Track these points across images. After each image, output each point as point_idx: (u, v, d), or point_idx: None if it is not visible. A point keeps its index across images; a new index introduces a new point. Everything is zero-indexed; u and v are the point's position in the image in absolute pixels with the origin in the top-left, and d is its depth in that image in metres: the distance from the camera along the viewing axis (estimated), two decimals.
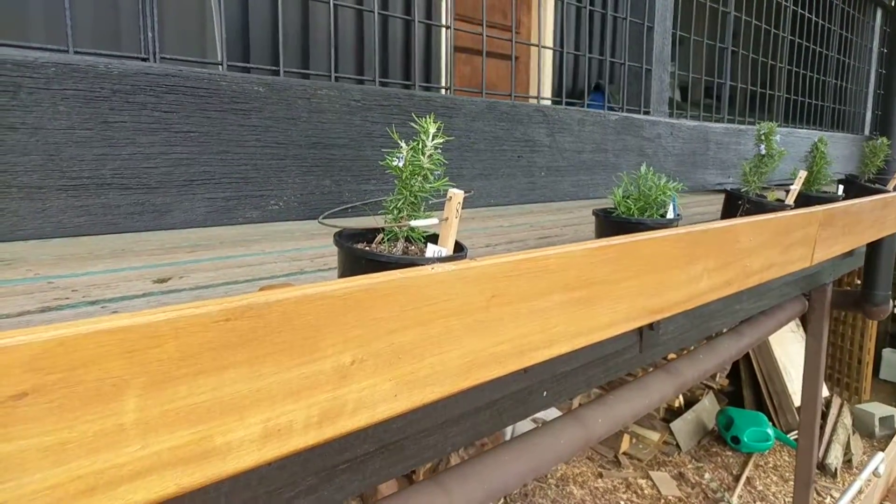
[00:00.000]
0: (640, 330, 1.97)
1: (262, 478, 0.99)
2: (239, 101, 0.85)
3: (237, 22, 2.88)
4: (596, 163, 1.52)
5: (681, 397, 5.58)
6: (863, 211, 2.42)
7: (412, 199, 0.88)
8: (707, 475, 5.00)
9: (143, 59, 0.82)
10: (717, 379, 6.00)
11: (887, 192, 2.82)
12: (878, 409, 6.04)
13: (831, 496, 4.76)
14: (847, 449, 5.45)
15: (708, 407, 5.77)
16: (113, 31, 2.54)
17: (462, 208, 0.93)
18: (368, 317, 0.77)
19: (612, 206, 1.41)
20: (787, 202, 1.91)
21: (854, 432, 5.75)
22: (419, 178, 0.88)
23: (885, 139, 2.98)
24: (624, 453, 5.08)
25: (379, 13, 1.12)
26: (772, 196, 2.00)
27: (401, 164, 0.86)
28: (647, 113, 1.78)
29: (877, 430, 5.88)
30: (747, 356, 5.89)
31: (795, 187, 1.93)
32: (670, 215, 1.36)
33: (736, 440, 5.32)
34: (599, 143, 1.52)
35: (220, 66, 0.88)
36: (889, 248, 3.61)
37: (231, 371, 0.65)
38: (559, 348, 1.11)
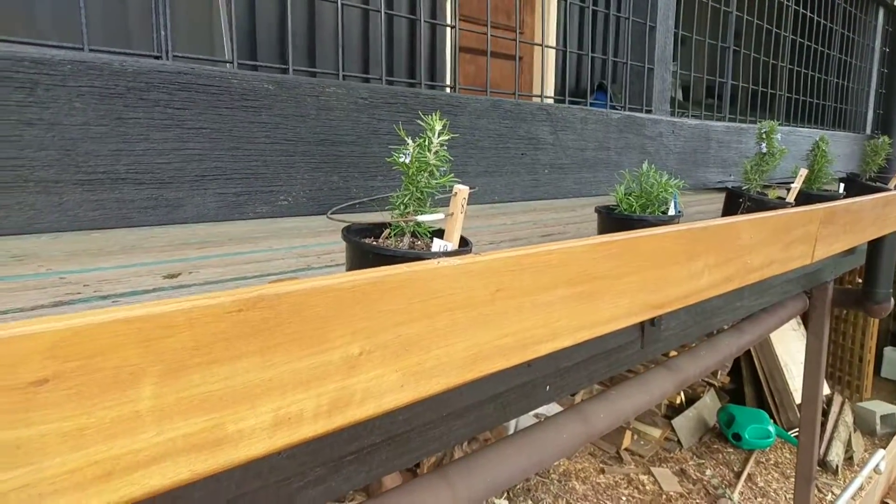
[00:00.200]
0: (641, 326, 1.98)
1: (272, 467, 1.01)
2: (249, 98, 0.87)
3: (246, 21, 2.91)
4: (599, 160, 1.53)
5: (682, 394, 5.60)
6: (864, 209, 2.43)
7: (418, 195, 0.90)
8: (708, 471, 5.02)
9: (156, 57, 0.83)
10: (719, 376, 6.02)
11: (888, 190, 2.84)
12: (880, 408, 6.06)
13: (832, 493, 4.78)
14: (848, 446, 5.46)
15: (709, 404, 5.78)
16: (122, 29, 2.56)
17: (467, 204, 0.95)
18: (376, 309, 0.79)
19: (615, 204, 1.43)
20: (787, 200, 1.92)
21: (855, 430, 5.77)
22: (425, 175, 0.89)
23: (886, 138, 2.99)
24: (626, 449, 5.10)
25: (385, 12, 1.13)
26: (773, 194, 2.01)
27: (407, 161, 0.88)
28: (649, 111, 1.79)
29: (878, 427, 5.90)
30: (749, 354, 5.91)
31: (796, 185, 1.94)
32: (672, 212, 1.38)
33: (737, 437, 5.33)
34: (602, 142, 1.54)
35: (230, 65, 0.90)
36: (890, 246, 3.62)
37: (243, 360, 0.67)
38: (562, 342, 1.13)
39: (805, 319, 6.22)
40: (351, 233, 0.93)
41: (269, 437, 0.71)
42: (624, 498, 4.52)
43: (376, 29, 3.57)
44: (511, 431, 4.35)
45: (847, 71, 3.46)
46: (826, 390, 6.19)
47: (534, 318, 1.03)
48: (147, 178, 0.78)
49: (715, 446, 5.43)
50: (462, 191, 0.88)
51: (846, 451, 5.39)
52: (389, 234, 0.98)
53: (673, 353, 4.24)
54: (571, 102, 1.61)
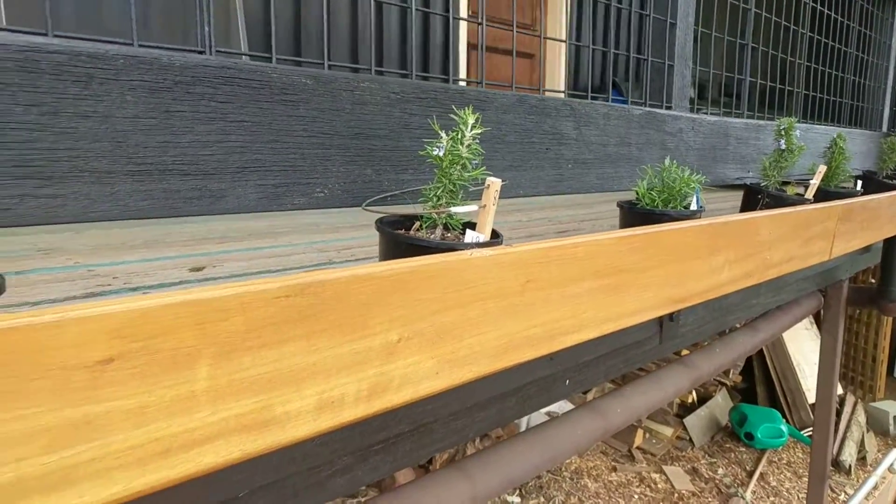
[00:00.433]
0: (660, 321, 1.99)
1: (305, 454, 1.03)
2: (288, 92, 0.89)
3: (290, 16, 2.96)
4: (620, 156, 1.55)
5: (694, 393, 5.60)
6: (881, 206, 2.44)
7: (451, 188, 0.92)
8: (720, 470, 5.01)
9: (200, 52, 0.86)
10: (731, 375, 6.01)
11: None
12: (893, 408, 6.03)
13: (845, 492, 4.77)
14: (861, 446, 5.44)
15: (721, 403, 5.78)
16: (164, 24, 2.60)
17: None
18: (413, 297, 0.81)
19: (636, 198, 1.44)
20: (806, 196, 1.93)
21: (868, 430, 5.75)
22: (458, 167, 0.91)
23: None
24: (637, 448, 5.10)
25: (417, 10, 1.16)
26: (791, 190, 2.02)
27: (441, 154, 0.90)
28: (668, 108, 1.81)
29: (891, 427, 5.87)
30: (761, 353, 5.90)
31: (815, 182, 1.95)
32: (694, 207, 1.39)
33: (749, 436, 5.33)
34: (624, 137, 1.55)
35: (270, 59, 0.92)
36: None
37: (290, 345, 0.69)
38: (588, 333, 1.15)
39: (817, 318, 6.19)
40: (384, 224, 0.95)
41: (314, 419, 0.73)
42: (636, 496, 4.53)
43: (393, 25, 3.59)
44: (523, 429, 4.37)
45: (864, 68, 3.45)
46: (839, 390, 6.16)
47: (561, 309, 1.05)
48: (192, 169, 0.81)
49: (727, 445, 5.43)
50: (494, 183, 0.91)
51: (859, 451, 5.37)
52: (420, 225, 1.00)
53: (685, 351, 4.25)
54: (593, 98, 1.63)
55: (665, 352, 2.09)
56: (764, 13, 2.25)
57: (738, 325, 3.19)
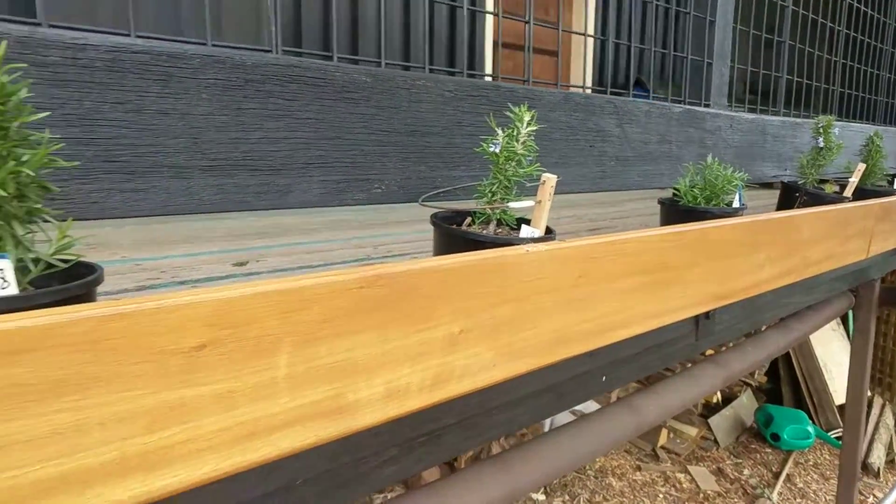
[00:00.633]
0: (696, 318, 1.99)
1: (358, 444, 1.06)
2: (350, 90, 0.92)
3: (348, 15, 3.01)
4: (661, 153, 1.56)
5: (718, 393, 5.56)
6: None
7: (506, 184, 0.94)
8: (746, 471, 4.98)
9: (267, 51, 0.88)
10: (756, 376, 5.96)
11: None
12: None
13: (874, 495, 4.71)
14: (889, 449, 5.37)
15: (746, 403, 5.73)
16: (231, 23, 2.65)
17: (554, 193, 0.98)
18: (475, 290, 0.83)
19: (677, 196, 1.45)
20: (845, 195, 1.92)
21: None
22: (513, 164, 0.93)
23: None
24: (661, 447, 5.08)
25: (468, 9, 1.18)
26: (829, 189, 2.01)
27: (497, 150, 0.92)
28: (707, 105, 1.81)
29: None
30: (786, 353, 5.84)
31: (854, 180, 1.94)
32: (736, 204, 1.40)
33: (775, 437, 5.28)
34: (664, 135, 1.56)
35: (332, 58, 0.95)
36: None
37: (362, 335, 0.72)
38: (635, 329, 1.16)
39: (844, 320, 6.11)
40: (439, 219, 0.97)
41: (382, 407, 0.75)
42: (661, 495, 4.52)
43: (441, 22, 3.62)
44: (547, 428, 4.37)
45: None
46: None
47: (611, 304, 1.07)
48: (261, 164, 0.83)
49: (752, 446, 5.39)
50: (550, 179, 0.92)
51: (888, 454, 5.30)
52: (473, 220, 1.02)
53: (709, 350, 4.21)
54: (615, 94, 1.63)
55: (699, 349, 2.08)
56: (801, 10, 2.24)
57: (767, 325, 3.16)
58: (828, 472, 5.01)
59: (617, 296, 1.07)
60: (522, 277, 0.90)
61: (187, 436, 0.59)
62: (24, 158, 0.52)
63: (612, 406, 2.15)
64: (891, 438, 5.44)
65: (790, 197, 1.93)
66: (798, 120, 2.27)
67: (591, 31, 5.27)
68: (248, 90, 0.81)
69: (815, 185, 1.94)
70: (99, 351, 0.53)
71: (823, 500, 4.66)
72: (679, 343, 1.95)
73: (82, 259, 0.64)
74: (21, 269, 0.58)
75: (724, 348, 3.32)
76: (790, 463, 5.10)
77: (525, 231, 0.93)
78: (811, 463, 5.21)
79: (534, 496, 4.14)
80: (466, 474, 1.64)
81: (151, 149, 0.73)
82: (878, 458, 5.07)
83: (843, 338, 6.10)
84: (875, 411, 5.79)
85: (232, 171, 0.81)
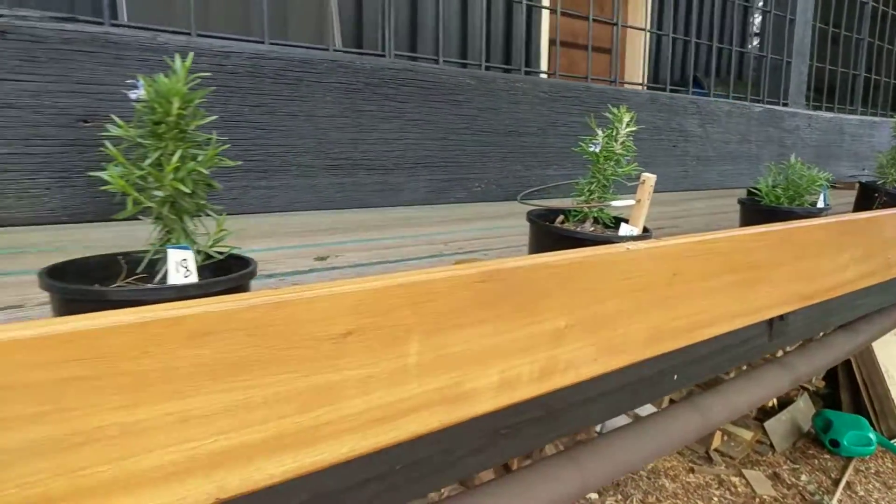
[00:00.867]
0: (770, 319, 1.98)
1: (450, 435, 1.10)
2: (455, 92, 0.95)
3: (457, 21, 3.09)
4: (741, 153, 1.55)
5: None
6: None
7: (604, 182, 0.96)
8: (804, 477, 4.87)
9: (381, 55, 0.93)
10: (813, 380, 5.81)
11: None
12: None
13: None
14: None
15: (803, 408, 5.59)
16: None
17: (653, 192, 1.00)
18: (578, 287, 0.86)
19: (758, 195, 1.45)
20: None
21: None
22: (611, 163, 0.95)
23: None
24: (715, 450, 5.00)
25: (562, 12, 1.20)
26: None
27: (597, 150, 0.94)
28: (785, 105, 1.79)
29: None
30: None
31: None
32: (821, 205, 1.39)
33: (835, 443, 5.14)
34: (744, 134, 1.55)
35: (438, 61, 0.99)
36: None
37: (480, 326, 0.75)
38: (721, 327, 1.17)
39: None
40: (535, 216, 1.00)
41: (495, 396, 0.79)
42: (715, 499, 4.45)
43: (520, 25, 3.65)
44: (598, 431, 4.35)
45: None
46: None
47: (701, 302, 1.08)
48: (376, 164, 0.88)
49: (810, 451, 5.26)
50: (649, 179, 0.94)
51: None
52: (567, 218, 1.04)
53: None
54: (673, 91, 1.63)
55: (770, 350, 2.06)
56: (881, 6, 2.19)
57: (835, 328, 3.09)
58: (890, 481, 4.86)
59: (707, 294, 1.08)
60: (622, 275, 0.92)
61: (332, 417, 0.64)
62: (200, 158, 0.57)
63: (678, 406, 2.15)
64: None
65: (868, 197, 1.90)
66: (876, 118, 2.21)
67: (647, 26, 5.21)
68: (366, 93, 0.85)
69: (895, 185, 1.90)
70: (265, 336, 0.57)
71: None
72: (751, 343, 1.94)
73: (234, 251, 0.69)
74: None
75: (786, 350, 3.26)
76: (850, 470, 4.96)
77: (624, 229, 0.96)
78: (872, 471, 5.06)
79: (587, 495, 4.14)
80: (538, 467, 1.67)
81: (282, 149, 0.78)
82: None
83: None
84: None
85: (352, 170, 0.85)
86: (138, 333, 0.51)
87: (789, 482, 4.71)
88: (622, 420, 4.18)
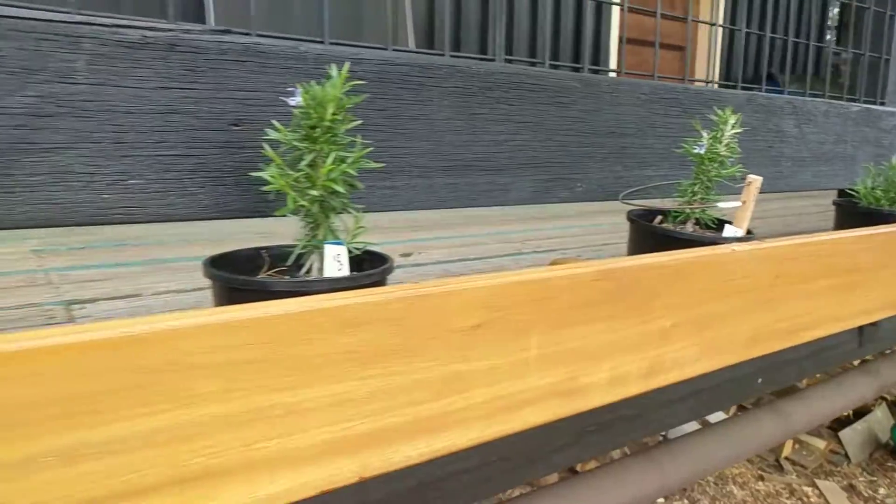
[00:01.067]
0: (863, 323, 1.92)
1: (542, 433, 1.12)
2: (560, 95, 0.98)
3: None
4: (836, 154, 1.52)
5: None
6: None
7: (707, 184, 0.97)
8: (882, 490, 4.67)
9: (490, 60, 0.96)
10: (893, 390, 5.56)
11: None
12: None
13: None
14: None
15: (881, 418, 5.36)
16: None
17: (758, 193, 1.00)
18: (686, 287, 0.87)
19: (855, 197, 1.41)
20: None
21: None
22: (716, 165, 0.96)
23: None
24: (786, 458, 4.85)
25: (630, 8, 1.21)
26: None
27: (702, 151, 0.95)
28: (882, 104, 1.74)
29: None
30: None
31: None
32: None
33: None
34: (840, 135, 1.52)
35: (544, 64, 1.01)
36: None
37: (594, 324, 0.77)
38: (821, 330, 1.16)
39: None
40: (636, 216, 1.02)
41: (606, 392, 0.81)
42: None
43: (567, 18, 3.65)
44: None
45: None
46: None
47: (803, 304, 1.07)
48: (487, 165, 0.91)
49: (888, 464, 5.03)
50: (755, 181, 0.94)
51: None
52: (667, 219, 1.05)
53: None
54: (745, 89, 1.60)
55: (859, 356, 2.00)
56: None
57: None
58: None
59: (809, 297, 1.07)
60: (727, 276, 0.93)
61: (461, 405, 0.67)
62: (350, 160, 0.61)
63: (760, 410, 2.11)
64: None
65: None
66: None
67: (719, 21, 5.09)
68: (480, 97, 0.89)
69: None
70: (406, 326, 0.61)
71: None
72: (840, 349, 1.89)
73: (369, 247, 0.74)
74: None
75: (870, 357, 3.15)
76: None
77: (728, 231, 0.96)
78: None
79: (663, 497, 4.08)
80: (615, 467, 1.68)
81: (403, 151, 0.83)
82: None
83: None
84: None
85: (465, 171, 0.89)
86: (303, 321, 0.55)
87: (866, 494, 4.52)
88: (692, 425, 4.10)
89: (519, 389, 0.72)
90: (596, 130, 1.01)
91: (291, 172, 0.61)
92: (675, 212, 1.02)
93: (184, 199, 0.66)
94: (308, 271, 0.67)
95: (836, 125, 1.49)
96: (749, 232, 1.00)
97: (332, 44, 0.76)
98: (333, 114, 0.59)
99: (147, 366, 0.49)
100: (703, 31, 5.40)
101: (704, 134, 0.95)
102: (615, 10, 4.59)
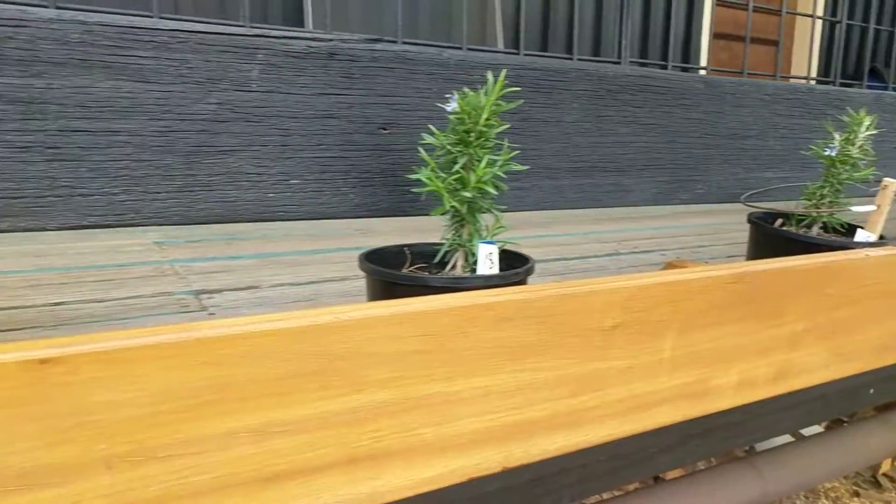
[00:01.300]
0: None
1: (655, 434, 1.12)
2: (685, 97, 0.98)
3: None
4: None
5: None
6: None
7: (837, 187, 0.94)
8: None
9: (616, 63, 0.97)
10: None
11: None
12: None
13: None
14: None
15: None
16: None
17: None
18: (818, 291, 0.85)
19: None
20: None
21: None
22: (847, 167, 0.93)
23: None
24: (884, 474, 4.60)
25: (719, 3, 1.18)
26: None
27: (833, 154, 0.92)
28: None
29: None
30: None
31: None
32: None
33: None
34: None
35: (667, 66, 1.01)
36: None
37: (725, 327, 0.77)
38: None
39: None
40: (758, 219, 1.00)
41: (734, 394, 0.81)
42: None
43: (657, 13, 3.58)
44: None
45: None
46: None
47: None
48: (611, 166, 0.92)
49: None
50: (891, 184, 0.91)
51: None
52: (789, 222, 1.03)
53: None
54: (844, 85, 1.52)
55: None
56: None
57: None
58: None
59: None
60: (858, 281, 0.90)
61: (597, 402, 0.69)
62: (499, 163, 0.64)
63: (869, 420, 2.03)
64: None
65: None
66: None
67: (819, 13, 4.86)
68: (607, 99, 0.90)
69: None
70: (550, 324, 0.64)
71: None
72: None
73: (508, 246, 0.76)
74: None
75: None
76: None
77: (860, 235, 0.93)
78: None
79: None
80: (716, 472, 1.65)
81: (535, 152, 0.85)
82: None
83: None
84: None
85: (589, 172, 0.90)
86: (461, 315, 0.58)
87: None
88: (784, 437, 3.94)
89: (652, 389, 0.73)
90: (717, 132, 1.00)
91: (443, 175, 0.64)
92: (800, 215, 1.00)
93: (337, 199, 0.70)
94: (452, 268, 0.71)
95: None
96: (882, 237, 0.97)
97: (469, 49, 0.79)
98: (487, 119, 0.61)
99: (329, 352, 0.53)
100: (799, 23, 5.15)
101: (836, 136, 0.93)
102: (707, 4, 4.45)
